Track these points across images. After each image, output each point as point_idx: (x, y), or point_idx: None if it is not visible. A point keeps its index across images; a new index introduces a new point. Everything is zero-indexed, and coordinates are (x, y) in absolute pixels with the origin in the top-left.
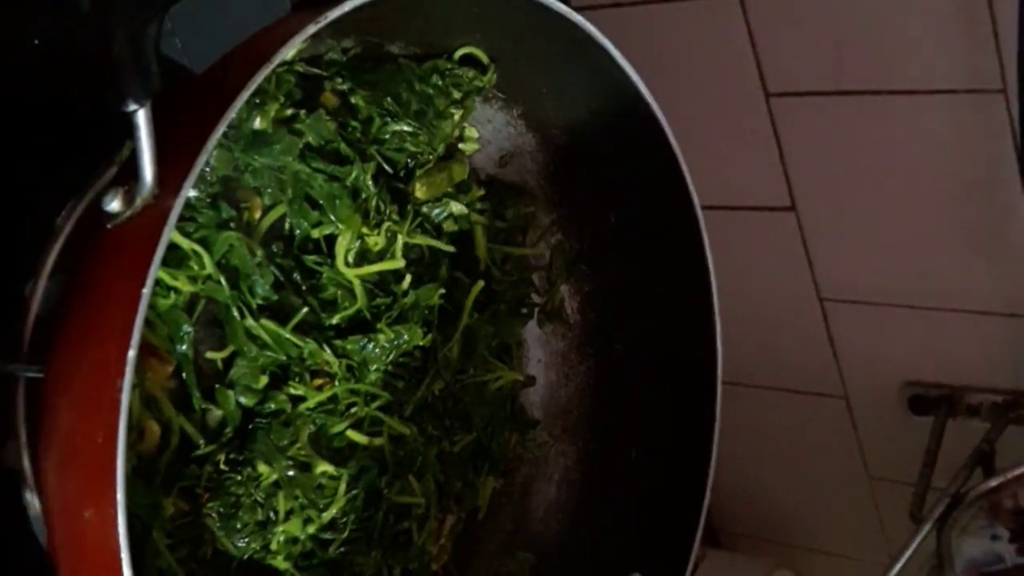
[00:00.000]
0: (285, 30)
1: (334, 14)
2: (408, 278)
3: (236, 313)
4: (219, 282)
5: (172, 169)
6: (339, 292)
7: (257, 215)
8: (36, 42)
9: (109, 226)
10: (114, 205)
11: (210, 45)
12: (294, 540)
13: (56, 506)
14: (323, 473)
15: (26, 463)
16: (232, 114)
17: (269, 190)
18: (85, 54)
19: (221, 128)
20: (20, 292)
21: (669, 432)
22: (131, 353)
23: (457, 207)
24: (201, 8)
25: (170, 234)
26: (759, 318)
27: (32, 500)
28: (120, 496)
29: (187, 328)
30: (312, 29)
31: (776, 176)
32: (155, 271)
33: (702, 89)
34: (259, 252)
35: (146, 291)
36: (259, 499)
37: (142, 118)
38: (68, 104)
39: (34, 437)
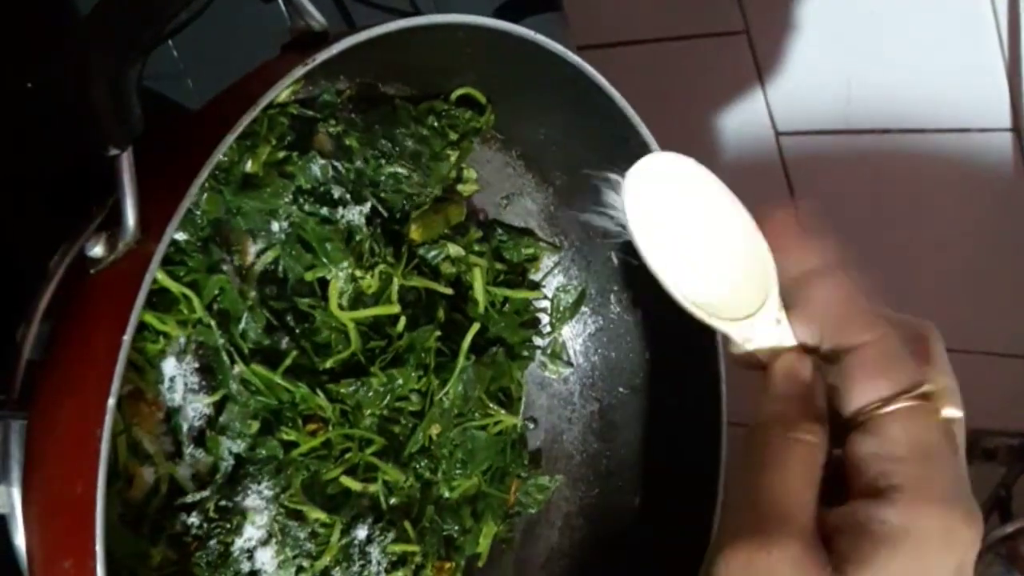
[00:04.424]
0: (273, 73)
1: (322, 56)
2: (403, 321)
3: (226, 357)
4: (209, 326)
5: (156, 213)
6: (333, 335)
7: (249, 258)
8: (29, 85)
9: (92, 271)
10: (97, 250)
11: (222, 86)
12: None
13: (38, 555)
14: (316, 521)
15: (17, 510)
16: (217, 159)
17: (262, 233)
18: (65, 99)
19: (205, 173)
20: (12, 336)
21: (674, 477)
22: (110, 401)
23: (454, 249)
24: (213, 49)
25: (151, 279)
26: None
27: (21, 547)
28: (99, 548)
29: (177, 372)
30: (300, 72)
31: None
32: (136, 317)
33: (711, 127)
34: (251, 295)
35: (127, 338)
36: (249, 548)
37: (124, 162)
38: (63, 146)
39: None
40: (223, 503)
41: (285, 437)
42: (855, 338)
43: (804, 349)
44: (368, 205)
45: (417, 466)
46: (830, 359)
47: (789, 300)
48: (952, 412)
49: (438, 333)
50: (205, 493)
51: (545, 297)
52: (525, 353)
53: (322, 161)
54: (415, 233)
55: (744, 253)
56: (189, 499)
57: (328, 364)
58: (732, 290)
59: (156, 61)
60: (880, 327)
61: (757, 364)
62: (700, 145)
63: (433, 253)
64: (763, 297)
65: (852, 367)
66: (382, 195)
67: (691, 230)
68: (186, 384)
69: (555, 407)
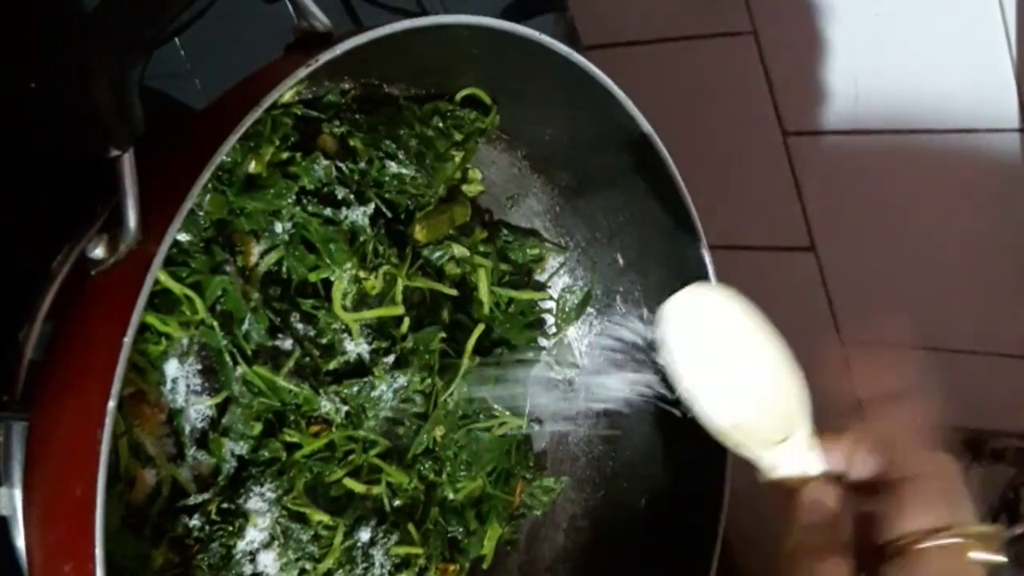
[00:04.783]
0: (276, 73)
1: (325, 57)
2: (407, 322)
3: (229, 359)
4: (212, 327)
5: (157, 214)
6: (337, 337)
7: (252, 259)
8: (32, 85)
9: (94, 272)
10: (98, 252)
11: (229, 86)
12: None
13: (38, 558)
14: (319, 523)
15: (18, 512)
16: (219, 159)
17: (265, 234)
18: (66, 99)
19: (207, 174)
20: (14, 337)
21: (679, 478)
22: (111, 404)
23: (459, 250)
24: (220, 49)
25: (152, 281)
26: None
27: (23, 549)
28: (99, 552)
29: (179, 374)
30: (303, 72)
31: (795, 216)
32: (137, 318)
33: (718, 128)
34: (255, 296)
35: (127, 339)
36: (251, 551)
37: (125, 163)
38: (65, 147)
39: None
40: (225, 505)
41: (288, 439)
42: (918, 467)
43: (831, 478)
44: (372, 206)
45: (421, 468)
46: (875, 485)
47: (859, 418)
48: (990, 557)
49: (443, 335)
50: (207, 495)
51: (550, 298)
52: (530, 354)
53: (326, 162)
54: (420, 234)
55: (777, 383)
56: (191, 501)
57: (332, 365)
58: (763, 417)
59: (163, 61)
60: (944, 459)
61: (784, 491)
62: (707, 145)
63: (438, 254)
64: (793, 426)
65: (907, 494)
66: (386, 196)
67: (726, 357)
68: (188, 386)
69: (560, 408)
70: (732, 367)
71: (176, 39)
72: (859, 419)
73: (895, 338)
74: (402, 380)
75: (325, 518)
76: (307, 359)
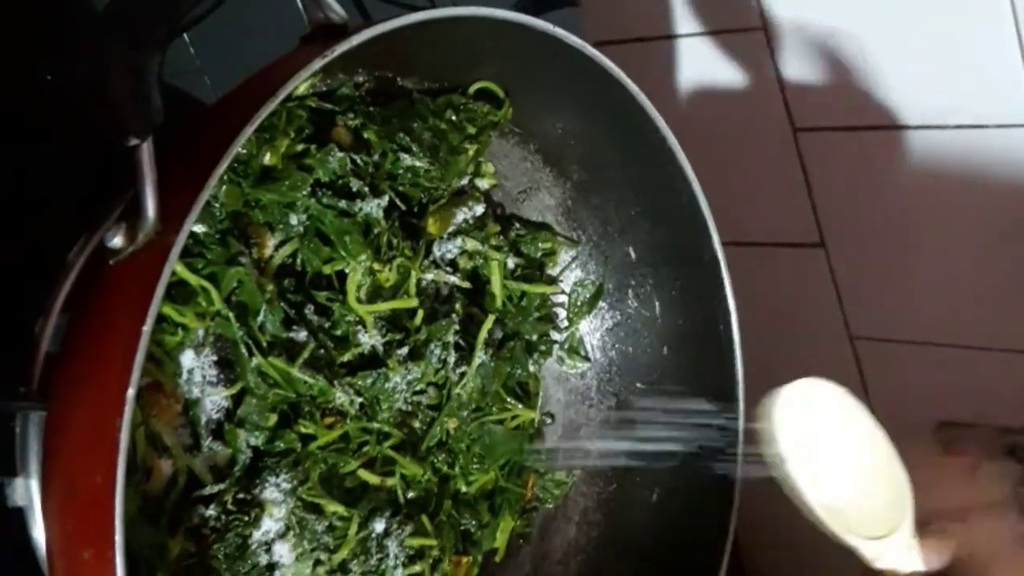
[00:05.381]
0: (292, 65)
1: (342, 48)
2: (421, 314)
3: (244, 350)
4: (228, 319)
5: (175, 204)
6: (351, 328)
7: (267, 251)
8: (48, 77)
9: (112, 262)
10: (116, 241)
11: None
12: None
13: (57, 546)
14: (334, 514)
15: (35, 503)
16: (235, 151)
17: (280, 226)
18: (85, 90)
19: (224, 165)
20: (31, 329)
21: (691, 473)
22: (130, 392)
23: (472, 243)
24: (229, 45)
25: (171, 270)
26: (788, 357)
27: (39, 539)
28: (119, 538)
29: (195, 365)
30: (319, 63)
31: (805, 212)
32: (156, 308)
33: (728, 123)
34: (270, 288)
35: (146, 328)
36: (267, 541)
37: (144, 153)
38: (83, 138)
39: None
40: (241, 496)
41: (303, 430)
42: (1008, 573)
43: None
44: (386, 198)
45: (435, 460)
46: None
47: (945, 525)
48: None
49: (456, 327)
50: (223, 485)
51: (563, 292)
52: (543, 347)
53: (340, 154)
54: (433, 227)
55: (881, 480)
56: (207, 491)
57: (346, 357)
58: (866, 510)
59: (173, 57)
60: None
61: None
62: (717, 140)
63: (451, 247)
64: (896, 521)
65: None
66: (400, 188)
67: (833, 450)
68: (204, 377)
69: (572, 402)
70: (839, 460)
71: (185, 35)
72: (952, 524)
73: (981, 449)
74: (416, 372)
75: (340, 509)
76: (322, 351)
